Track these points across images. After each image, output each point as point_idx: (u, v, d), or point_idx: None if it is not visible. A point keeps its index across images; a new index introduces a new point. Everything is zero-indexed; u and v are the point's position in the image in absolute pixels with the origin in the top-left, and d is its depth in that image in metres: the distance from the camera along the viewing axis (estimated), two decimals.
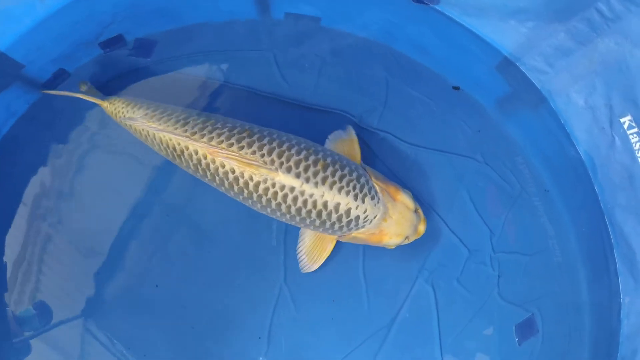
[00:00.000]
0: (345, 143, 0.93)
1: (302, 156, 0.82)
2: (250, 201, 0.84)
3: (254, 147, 0.82)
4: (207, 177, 0.85)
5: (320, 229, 0.86)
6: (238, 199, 0.87)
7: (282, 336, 0.99)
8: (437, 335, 1.01)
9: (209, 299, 0.98)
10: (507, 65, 1.02)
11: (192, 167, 0.86)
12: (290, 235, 0.99)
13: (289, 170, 0.81)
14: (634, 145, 0.97)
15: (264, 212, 0.86)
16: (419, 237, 0.91)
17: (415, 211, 0.89)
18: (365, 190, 0.83)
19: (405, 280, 1.02)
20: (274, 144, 0.82)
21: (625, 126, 0.96)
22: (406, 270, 1.01)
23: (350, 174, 0.83)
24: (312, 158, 0.82)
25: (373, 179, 0.86)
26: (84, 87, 0.96)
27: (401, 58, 1.07)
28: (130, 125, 0.90)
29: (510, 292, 1.06)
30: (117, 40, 1.00)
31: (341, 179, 0.82)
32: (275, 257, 1.00)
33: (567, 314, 1.09)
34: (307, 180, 0.81)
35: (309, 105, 1.04)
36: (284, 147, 0.82)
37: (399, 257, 1.02)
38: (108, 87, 1.00)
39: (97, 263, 0.97)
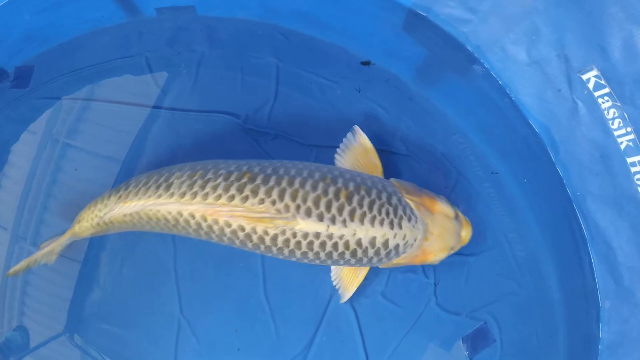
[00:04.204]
0: (360, 152, 0.59)
1: (319, 191, 0.51)
2: (270, 254, 0.55)
3: (261, 194, 0.51)
4: (213, 239, 0.55)
5: (357, 265, 0.57)
6: (254, 252, 0.56)
7: None
8: (364, 358, 0.58)
9: (115, 336, 0.66)
10: (416, 21, 0.55)
11: (192, 233, 0.55)
12: (179, 260, 0.64)
13: (308, 213, 0.50)
14: (605, 112, 0.44)
15: (289, 259, 0.55)
16: (464, 244, 0.59)
17: (456, 217, 0.57)
18: (400, 212, 0.53)
19: (317, 301, 0.66)
20: (283, 183, 0.51)
21: (591, 85, 0.43)
22: (316, 290, 0.63)
23: (380, 197, 0.52)
24: (331, 190, 0.51)
25: (405, 194, 0.55)
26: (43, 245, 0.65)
27: (292, 36, 0.61)
28: (113, 222, 0.58)
29: (453, 301, 0.66)
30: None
31: (371, 206, 0.51)
32: (167, 286, 0.65)
33: (532, 317, 0.66)
34: (333, 220, 0.50)
35: (185, 111, 0.61)
36: (296, 184, 0.51)
37: (305, 275, 0.63)
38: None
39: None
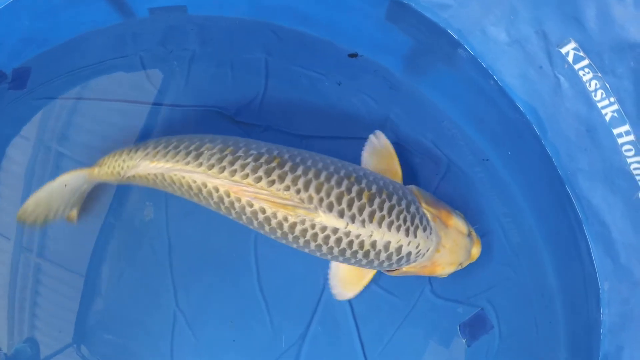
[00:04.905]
0: (383, 156, 0.61)
1: (343, 188, 0.52)
2: (284, 240, 0.55)
3: (287, 181, 0.51)
4: (231, 215, 0.55)
5: (367, 267, 0.57)
6: (269, 236, 0.56)
7: None
8: (360, 348, 0.57)
9: (111, 333, 0.66)
10: (400, 11, 0.56)
11: (213, 205, 0.55)
12: (175, 252, 0.64)
13: (330, 207, 0.51)
14: (587, 84, 0.44)
15: (300, 250, 0.55)
16: (472, 261, 0.60)
17: (469, 234, 0.58)
18: (417, 221, 0.54)
19: (311, 290, 0.65)
20: (310, 175, 0.52)
21: (570, 58, 0.44)
22: (311, 278, 0.64)
23: (400, 203, 0.53)
24: (355, 189, 0.52)
25: (423, 204, 0.56)
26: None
27: (282, 32, 0.63)
28: (134, 177, 0.58)
29: (448, 288, 0.65)
30: None
31: (390, 211, 0.52)
32: (163, 280, 0.65)
33: (530, 304, 0.66)
34: (353, 219, 0.51)
35: (178, 106, 0.62)
36: (322, 177, 0.52)
37: (299, 264, 0.63)
38: None
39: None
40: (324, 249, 0.53)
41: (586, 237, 0.62)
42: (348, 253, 0.53)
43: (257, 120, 0.67)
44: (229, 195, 0.52)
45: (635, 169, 0.49)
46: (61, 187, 0.60)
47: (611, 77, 0.47)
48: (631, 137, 0.48)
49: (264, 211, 0.51)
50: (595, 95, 0.48)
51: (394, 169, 0.60)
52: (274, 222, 0.52)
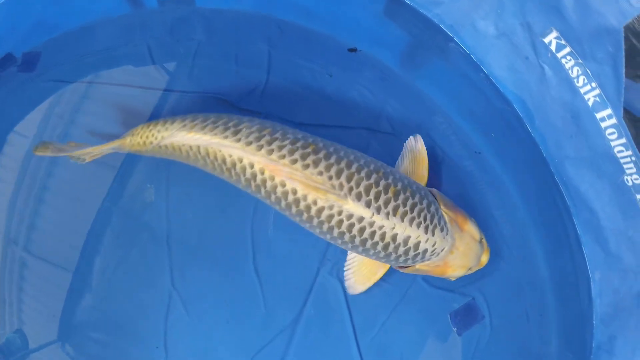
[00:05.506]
0: (415, 159, 0.64)
1: (372, 180, 0.54)
2: (307, 224, 0.56)
3: (321, 167, 0.53)
4: (260, 194, 0.56)
5: (384, 260, 0.58)
6: (292, 219, 0.57)
7: (179, 343, 0.65)
8: (352, 332, 0.57)
9: (103, 310, 0.66)
10: (396, 7, 0.59)
11: (243, 182, 0.56)
12: (173, 236, 0.66)
13: (359, 197, 0.53)
14: (569, 71, 0.47)
15: (320, 236, 0.58)
16: (480, 267, 0.62)
17: (480, 241, 0.61)
18: (435, 220, 0.57)
19: (305, 274, 0.66)
20: (342, 164, 0.54)
21: (553, 47, 0.48)
22: (305, 262, 0.65)
23: (421, 202, 0.56)
24: (382, 183, 0.55)
25: (442, 207, 0.59)
26: (72, 144, 0.67)
27: (285, 26, 0.67)
28: (167, 146, 0.59)
29: (439, 277, 0.63)
30: (7, 59, 0.68)
31: (412, 208, 0.55)
32: (159, 260, 0.66)
33: (520, 292, 0.67)
34: (378, 210, 0.53)
35: (183, 92, 0.65)
36: (353, 168, 0.54)
37: (295, 248, 0.64)
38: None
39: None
40: (347, 237, 0.54)
41: (575, 226, 0.63)
42: (369, 243, 0.55)
43: (259, 108, 0.70)
44: (263, 173, 0.54)
45: (619, 151, 0.52)
46: (82, 154, 0.63)
47: (592, 62, 0.50)
48: (613, 121, 0.51)
49: (295, 192, 0.53)
50: (577, 82, 0.51)
51: (421, 174, 0.63)
52: (302, 204, 0.53)
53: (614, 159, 0.53)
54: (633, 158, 0.51)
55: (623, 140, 0.51)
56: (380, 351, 0.65)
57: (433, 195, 0.60)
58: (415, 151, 0.64)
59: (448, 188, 0.68)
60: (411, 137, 0.64)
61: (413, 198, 0.56)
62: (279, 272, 0.66)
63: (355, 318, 0.65)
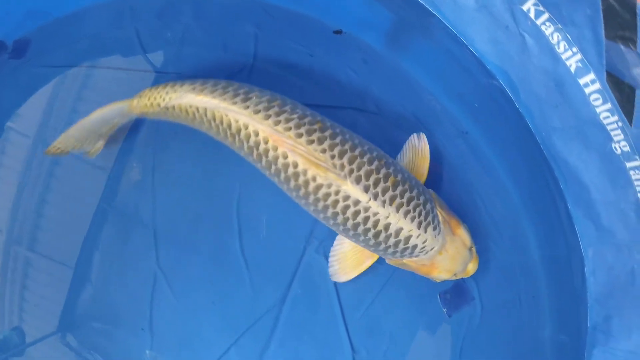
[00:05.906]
0: (417, 156, 0.63)
1: (373, 167, 0.54)
2: (303, 201, 0.56)
3: (324, 145, 0.54)
4: (260, 163, 0.56)
5: (372, 249, 0.58)
6: (288, 193, 0.58)
7: (165, 326, 0.65)
8: (339, 311, 0.57)
9: (89, 295, 0.67)
10: None
11: (245, 149, 0.56)
12: (158, 214, 0.67)
13: (358, 180, 0.53)
14: (550, 37, 0.47)
15: (313, 214, 0.57)
16: (466, 276, 0.61)
17: (470, 249, 0.60)
18: (430, 218, 0.56)
19: (291, 253, 0.66)
20: (346, 146, 0.54)
21: (532, 14, 0.47)
22: (291, 241, 0.65)
23: (418, 198, 0.56)
24: (383, 171, 0.55)
25: (438, 207, 0.59)
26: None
27: (272, 9, 0.68)
28: (174, 108, 0.58)
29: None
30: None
31: (409, 201, 0.55)
32: (145, 241, 0.66)
33: (512, 275, 0.65)
34: (375, 196, 0.53)
35: (171, 73, 0.67)
36: (356, 152, 0.55)
37: (280, 227, 0.64)
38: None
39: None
40: (340, 218, 0.54)
41: (566, 202, 0.62)
42: (360, 229, 0.55)
43: None
44: (266, 142, 0.54)
45: (605, 117, 0.51)
46: (95, 121, 0.62)
47: (571, 27, 0.49)
48: (597, 86, 0.50)
49: (296, 165, 0.53)
50: (558, 48, 0.51)
51: (421, 172, 0.63)
52: (301, 179, 0.54)
53: (601, 126, 0.51)
54: (620, 124, 0.50)
55: (608, 106, 0.50)
56: (368, 330, 0.64)
57: (430, 194, 0.59)
58: (418, 149, 0.63)
59: (434, 170, 0.67)
60: (414, 135, 0.64)
61: (411, 192, 0.55)
62: (265, 252, 0.66)
63: (343, 297, 0.64)
